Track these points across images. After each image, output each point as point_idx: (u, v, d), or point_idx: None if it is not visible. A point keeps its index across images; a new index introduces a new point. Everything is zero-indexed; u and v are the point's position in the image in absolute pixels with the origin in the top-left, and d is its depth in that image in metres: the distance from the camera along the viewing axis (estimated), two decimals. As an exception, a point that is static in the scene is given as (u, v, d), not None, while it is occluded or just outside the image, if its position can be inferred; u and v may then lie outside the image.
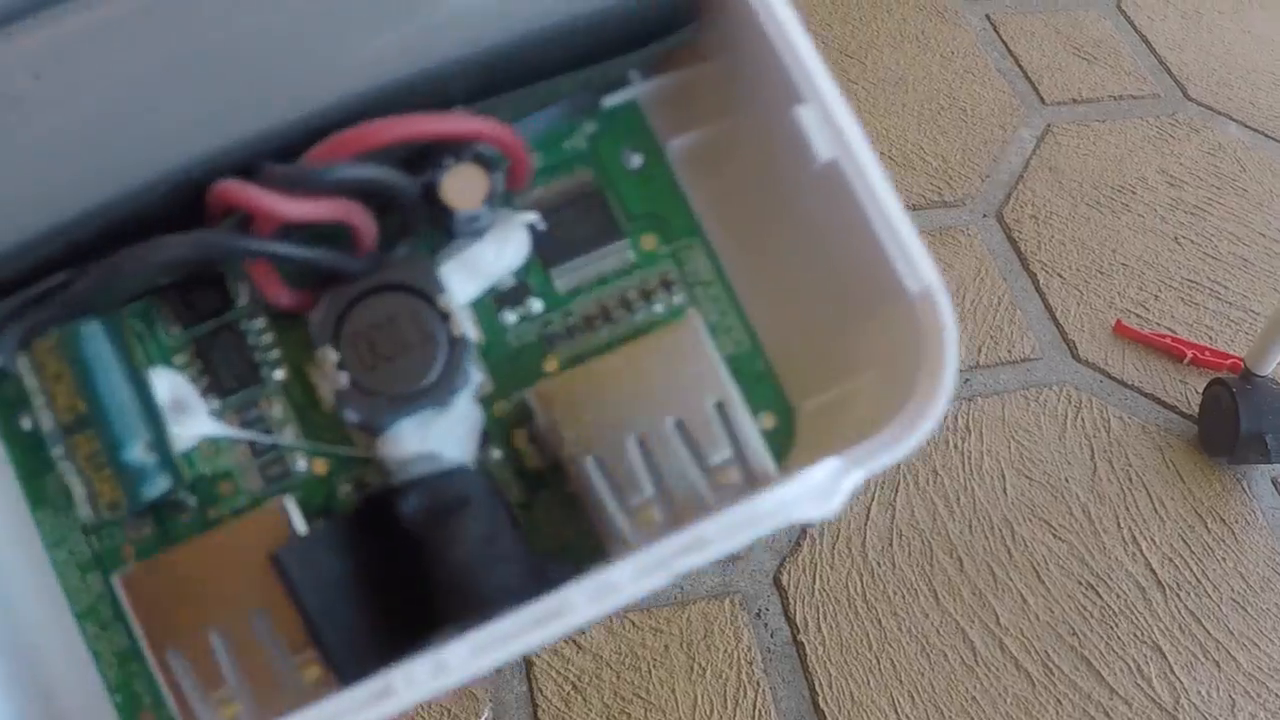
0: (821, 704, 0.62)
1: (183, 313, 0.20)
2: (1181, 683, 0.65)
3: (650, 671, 0.63)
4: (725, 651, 0.64)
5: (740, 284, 0.20)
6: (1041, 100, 0.98)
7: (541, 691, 0.62)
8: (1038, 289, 0.83)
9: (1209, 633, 0.67)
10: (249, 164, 0.17)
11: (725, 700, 0.62)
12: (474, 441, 0.19)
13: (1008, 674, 0.64)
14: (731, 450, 0.18)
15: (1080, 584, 0.68)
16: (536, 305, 0.20)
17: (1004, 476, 0.72)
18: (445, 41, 0.17)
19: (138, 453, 0.18)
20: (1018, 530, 0.70)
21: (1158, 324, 0.82)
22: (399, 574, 0.18)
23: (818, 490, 0.16)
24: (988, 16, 1.05)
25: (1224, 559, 0.70)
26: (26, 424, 0.20)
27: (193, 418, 0.19)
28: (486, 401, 0.20)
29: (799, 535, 0.68)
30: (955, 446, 0.73)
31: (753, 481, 0.18)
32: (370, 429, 0.19)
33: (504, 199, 0.20)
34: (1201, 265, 0.87)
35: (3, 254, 0.17)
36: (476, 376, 0.19)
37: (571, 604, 0.15)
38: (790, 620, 0.65)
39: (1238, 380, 0.73)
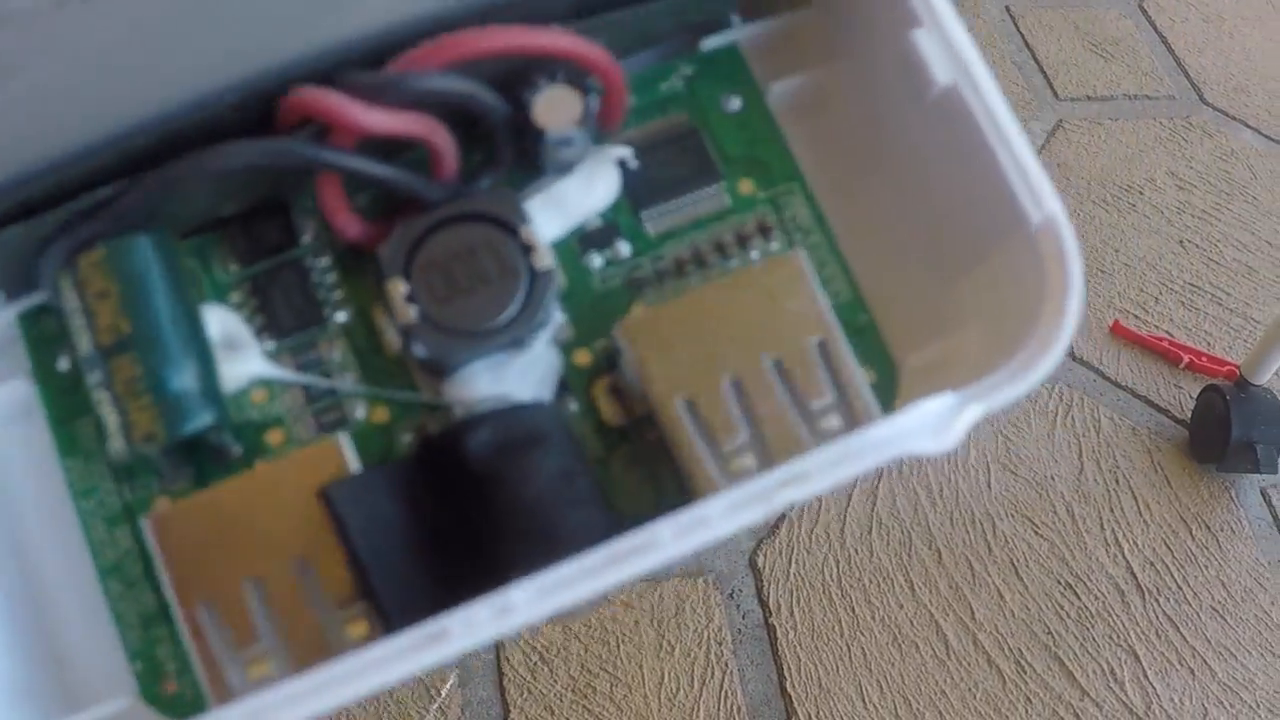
0: (789, 688, 0.61)
1: (242, 248, 0.19)
2: (1154, 688, 0.64)
3: (619, 646, 0.63)
4: (695, 630, 0.63)
5: (841, 232, 0.19)
6: (1055, 95, 0.97)
7: (508, 660, 0.62)
8: (1037, 285, 0.82)
9: (1186, 640, 0.66)
10: (327, 76, 0.16)
11: (692, 679, 0.62)
12: (550, 388, 0.18)
13: (979, 669, 0.63)
14: (833, 394, 0.17)
15: (1059, 583, 0.67)
16: (624, 248, 0.19)
17: (989, 470, 0.72)
18: None
19: (181, 379, 0.17)
20: (999, 525, 0.69)
21: (1156, 326, 0.81)
22: (461, 522, 0.17)
23: (932, 424, 0.15)
24: (1007, 8, 1.04)
25: (1206, 566, 0.70)
26: (64, 364, 0.18)
27: (244, 356, 0.18)
28: (566, 349, 0.19)
29: (777, 518, 0.67)
30: (942, 438, 0.72)
31: (856, 428, 0.17)
32: (439, 368, 0.18)
33: (596, 138, 0.19)
34: (1205, 270, 0.86)
35: (53, 163, 0.15)
36: (558, 316, 0.18)
37: (656, 539, 0.14)
38: (763, 603, 0.64)
39: (1232, 388, 0.72)
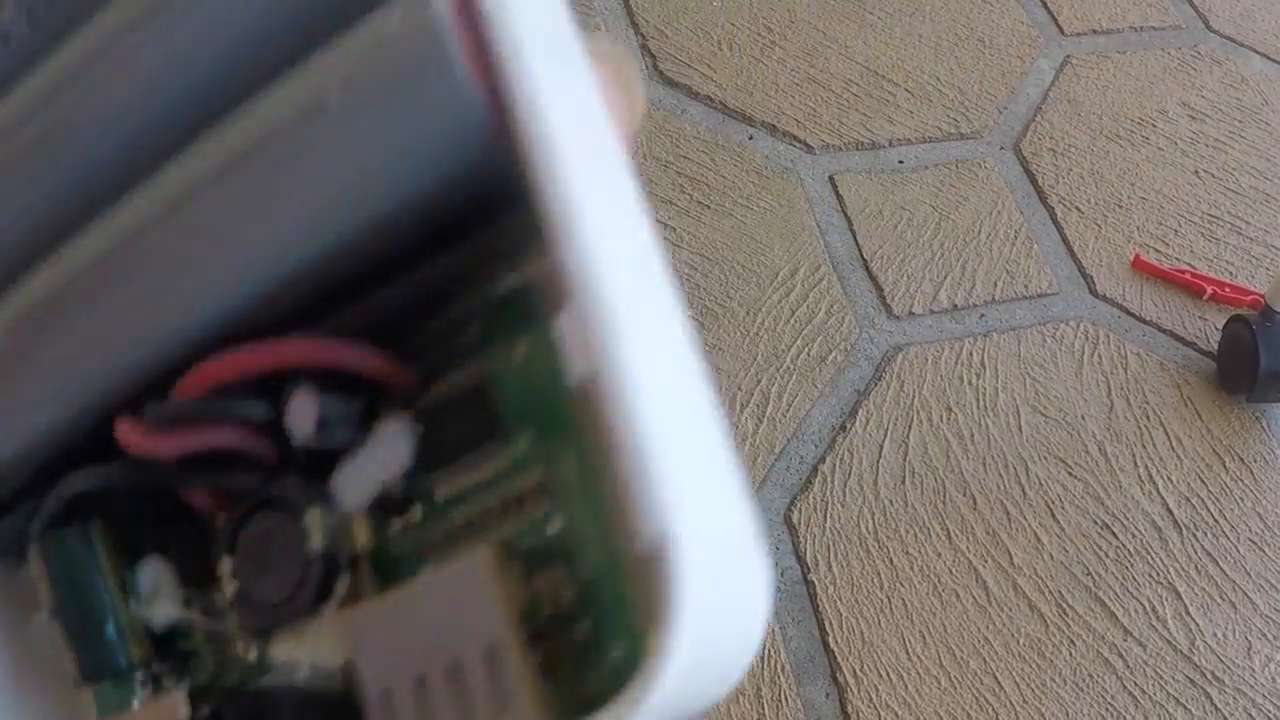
0: (831, 644, 0.61)
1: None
2: (1197, 624, 0.64)
3: (657, 610, 0.62)
4: (734, 590, 0.63)
5: None
6: (1061, 31, 0.95)
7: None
8: (1055, 222, 0.81)
9: (1226, 574, 0.66)
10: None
11: (734, 639, 0.61)
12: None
13: (1021, 614, 0.63)
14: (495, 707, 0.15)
15: (1095, 523, 0.67)
16: (417, 513, 0.17)
17: (1019, 413, 0.71)
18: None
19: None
20: (1032, 468, 0.68)
21: (1177, 259, 0.80)
22: None
23: None
24: (1005, -56, 1.02)
25: (1242, 499, 0.69)
26: None
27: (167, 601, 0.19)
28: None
29: (810, 473, 0.67)
30: (970, 383, 0.72)
31: None
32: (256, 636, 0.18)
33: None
34: (1222, 199, 0.85)
35: None
36: (339, 592, 0.17)
37: None
38: (801, 559, 0.64)
39: (1258, 317, 0.71)
